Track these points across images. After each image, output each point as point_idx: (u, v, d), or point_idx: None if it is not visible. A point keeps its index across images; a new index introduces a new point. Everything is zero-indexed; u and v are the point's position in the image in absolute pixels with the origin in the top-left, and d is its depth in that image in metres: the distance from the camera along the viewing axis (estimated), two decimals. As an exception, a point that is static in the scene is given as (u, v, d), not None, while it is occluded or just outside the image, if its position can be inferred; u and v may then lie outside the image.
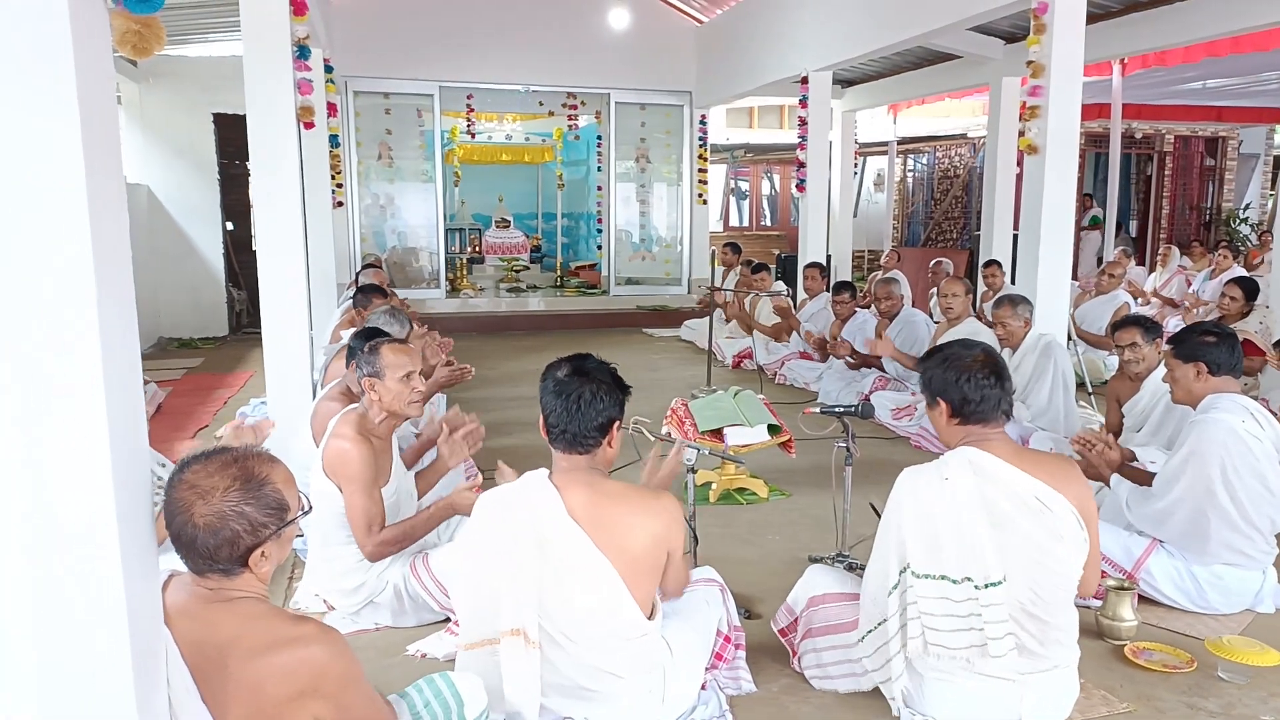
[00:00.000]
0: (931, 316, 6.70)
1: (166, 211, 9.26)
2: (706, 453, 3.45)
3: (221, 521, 1.63)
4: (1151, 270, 10.48)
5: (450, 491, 3.06)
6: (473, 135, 12.77)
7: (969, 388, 2.33)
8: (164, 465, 3.22)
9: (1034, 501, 2.25)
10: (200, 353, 8.67)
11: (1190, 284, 9.37)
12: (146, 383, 5.85)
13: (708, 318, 7.36)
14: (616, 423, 2.25)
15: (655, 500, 2.25)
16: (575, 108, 11.74)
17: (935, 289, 7.18)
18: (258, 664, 1.62)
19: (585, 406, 2.17)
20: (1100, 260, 9.69)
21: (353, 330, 4.09)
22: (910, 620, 2.30)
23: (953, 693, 2.30)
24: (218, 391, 6.80)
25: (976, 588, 2.22)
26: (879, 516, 2.45)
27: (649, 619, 2.24)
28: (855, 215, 13.35)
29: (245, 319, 9.80)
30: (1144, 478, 3.36)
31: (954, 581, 2.24)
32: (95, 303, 1.40)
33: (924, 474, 2.34)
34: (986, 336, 5.11)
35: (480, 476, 3.10)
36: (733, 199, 17.73)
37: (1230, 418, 3.05)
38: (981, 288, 7.93)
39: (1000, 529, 2.24)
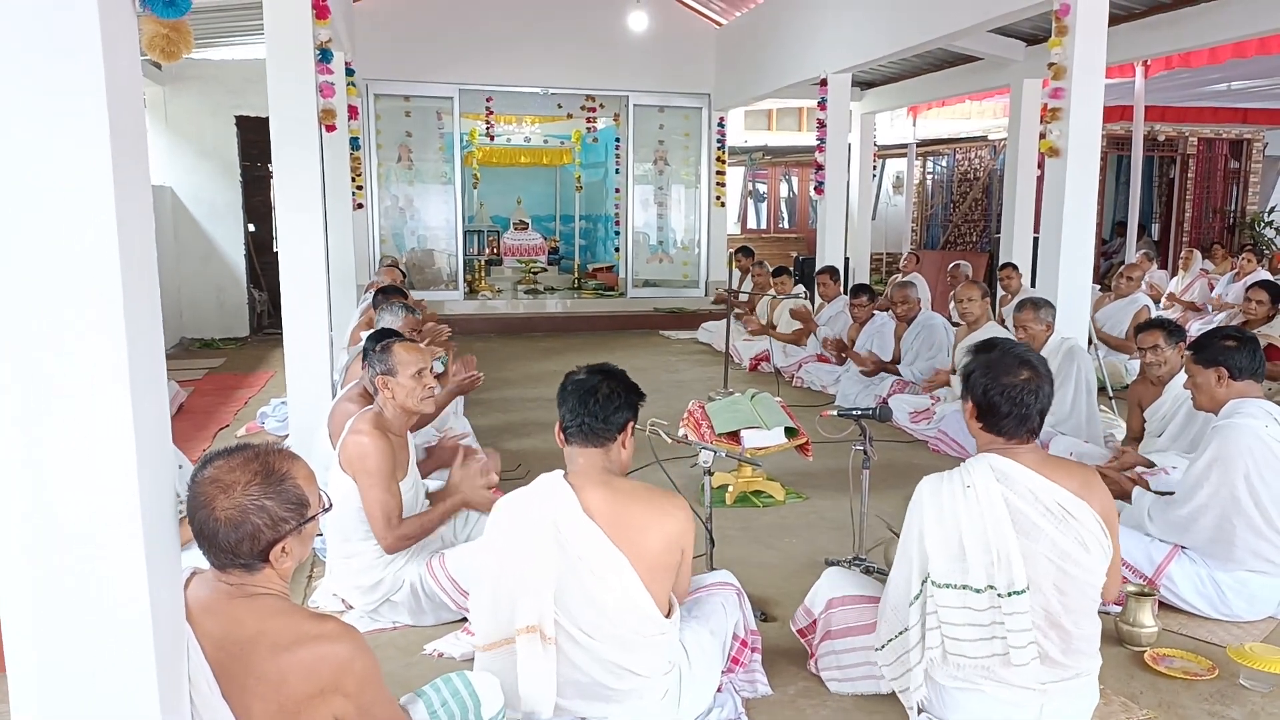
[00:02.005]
0: (951, 320, 6.66)
1: (190, 213, 9.37)
2: (723, 455, 3.45)
3: (242, 515, 1.65)
4: (1174, 274, 10.38)
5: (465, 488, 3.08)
6: (492, 138, 12.82)
7: (998, 398, 2.27)
8: (182, 468, 3.26)
9: (1059, 509, 2.23)
10: (222, 353, 8.76)
11: (1213, 287, 9.27)
12: (169, 381, 5.89)
13: (724, 320, 7.36)
14: (630, 423, 2.30)
15: (668, 501, 2.27)
16: (594, 110, 11.76)
17: (954, 292, 7.14)
18: (280, 660, 1.63)
19: (603, 400, 2.23)
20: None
21: (370, 331, 4.13)
22: (930, 630, 2.28)
23: (972, 700, 2.29)
24: (239, 391, 6.87)
25: (1000, 596, 2.20)
26: (897, 537, 2.43)
27: (666, 617, 2.26)
28: (874, 218, 13.29)
29: (266, 320, 9.90)
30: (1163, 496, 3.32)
31: (976, 590, 2.22)
32: (121, 302, 1.42)
33: (945, 482, 2.32)
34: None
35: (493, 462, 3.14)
36: (750, 201, 17.69)
37: (1254, 422, 3.02)
38: (999, 291, 7.87)
39: (1025, 537, 2.22)
